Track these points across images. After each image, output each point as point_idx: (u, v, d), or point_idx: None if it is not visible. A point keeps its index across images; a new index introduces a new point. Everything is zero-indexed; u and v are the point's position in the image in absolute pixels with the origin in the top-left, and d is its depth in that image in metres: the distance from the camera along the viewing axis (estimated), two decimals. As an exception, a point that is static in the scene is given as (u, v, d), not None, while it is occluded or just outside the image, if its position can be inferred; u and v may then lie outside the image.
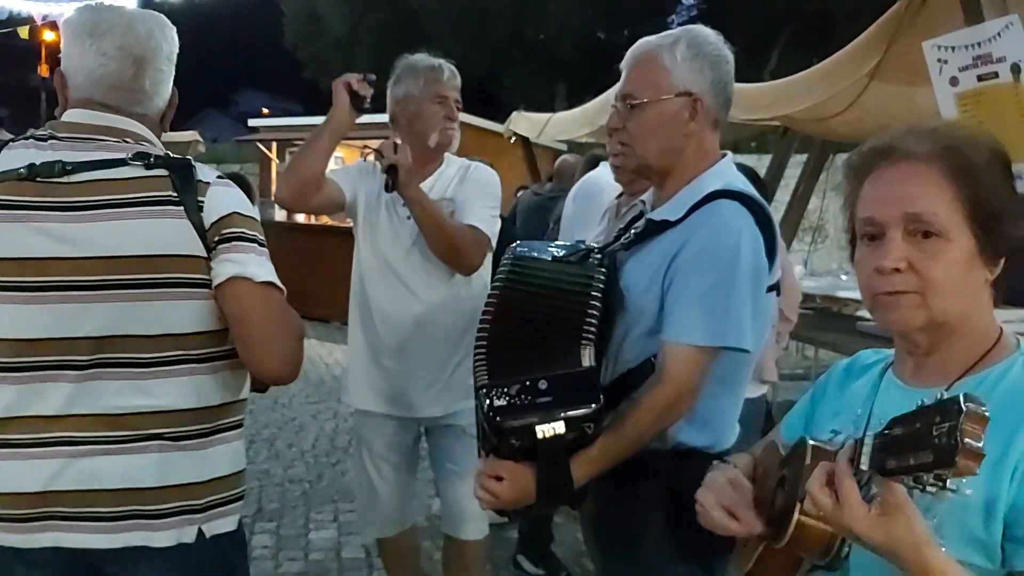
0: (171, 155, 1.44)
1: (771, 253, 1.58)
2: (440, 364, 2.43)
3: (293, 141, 10.21)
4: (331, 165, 2.44)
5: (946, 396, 0.81)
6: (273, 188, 10.68)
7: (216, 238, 1.40)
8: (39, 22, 11.72)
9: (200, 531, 1.44)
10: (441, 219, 2.32)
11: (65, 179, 1.38)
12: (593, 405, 1.43)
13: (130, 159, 1.39)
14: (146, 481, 1.40)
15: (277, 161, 10.59)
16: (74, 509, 1.38)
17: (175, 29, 1.55)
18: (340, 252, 3.15)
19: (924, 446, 0.79)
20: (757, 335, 1.56)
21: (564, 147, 9.02)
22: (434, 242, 2.32)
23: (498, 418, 1.44)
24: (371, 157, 2.37)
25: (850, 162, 1.14)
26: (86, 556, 1.39)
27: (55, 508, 1.38)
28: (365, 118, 2.38)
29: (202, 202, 1.40)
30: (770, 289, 1.62)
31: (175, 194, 1.39)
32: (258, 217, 1.49)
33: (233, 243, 1.41)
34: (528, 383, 1.45)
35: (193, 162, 1.44)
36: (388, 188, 2.29)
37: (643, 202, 1.76)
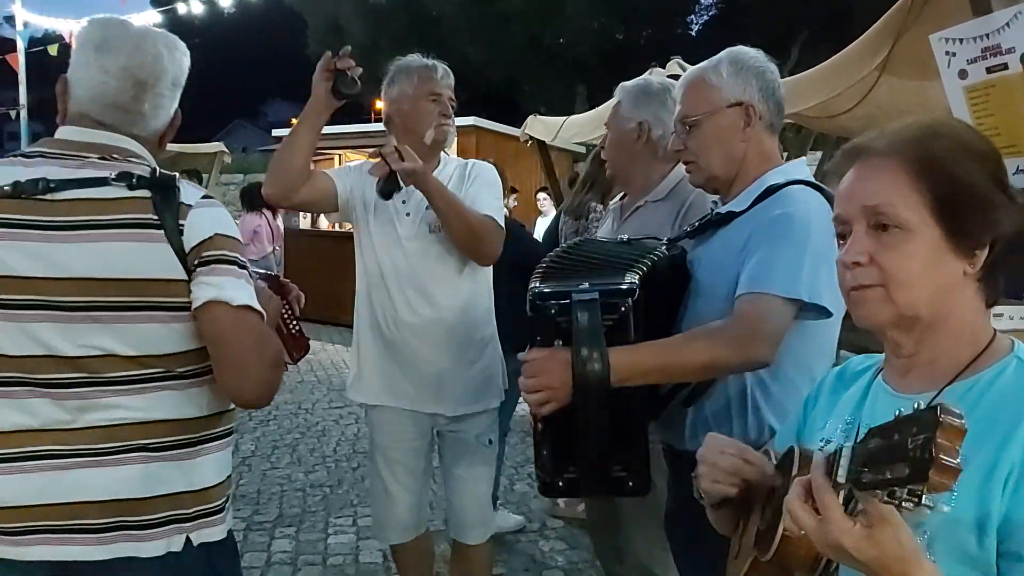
0: (159, 173, 1.44)
1: None
2: (450, 362, 2.44)
3: (316, 150, 10.29)
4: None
5: (923, 405, 0.78)
6: (297, 197, 10.77)
7: (196, 261, 1.39)
8: (68, 40, 11.98)
9: (188, 540, 1.45)
10: (464, 209, 2.33)
11: (48, 197, 1.38)
12: (624, 285, 1.57)
13: (113, 179, 1.39)
14: (132, 492, 1.40)
15: (300, 170, 10.66)
16: (62, 522, 1.39)
17: (187, 53, 1.54)
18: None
19: (900, 459, 0.76)
20: (835, 300, 1.53)
21: (582, 149, 9.01)
22: (457, 233, 2.33)
23: (539, 294, 1.61)
24: (375, 160, 2.34)
25: (831, 167, 1.15)
26: (75, 568, 1.40)
27: (44, 522, 1.39)
28: (372, 127, 2.40)
29: (183, 225, 1.39)
30: None
31: (155, 217, 1.39)
32: (239, 236, 1.48)
33: (212, 266, 1.40)
34: (574, 284, 1.60)
35: (177, 182, 1.44)
36: (385, 196, 2.29)
37: (715, 203, 1.88)
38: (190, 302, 1.40)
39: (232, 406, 1.55)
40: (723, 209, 1.76)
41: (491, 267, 2.57)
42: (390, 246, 2.43)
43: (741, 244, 1.65)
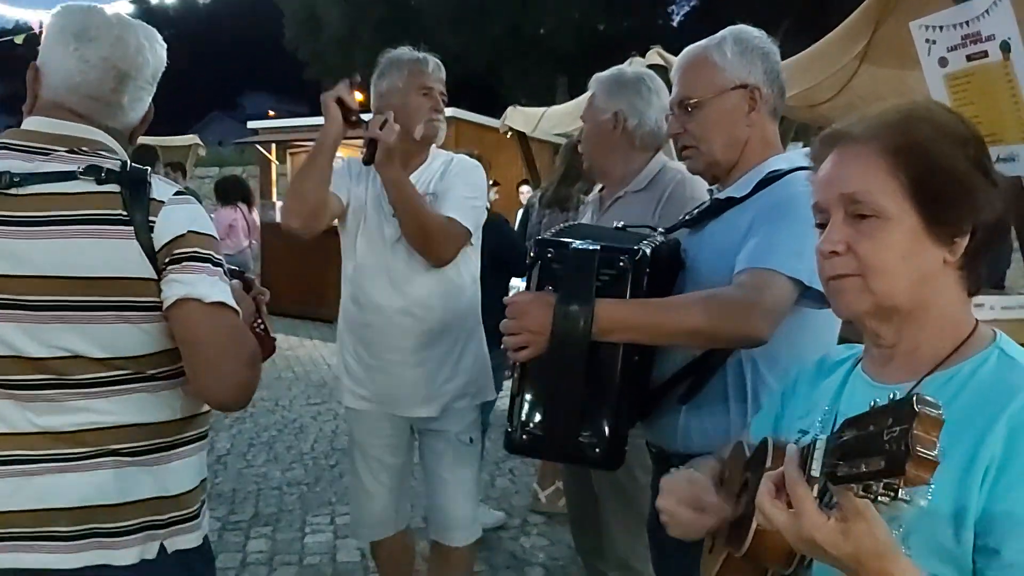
0: (130, 167, 1.38)
1: None
2: (430, 364, 2.40)
3: (292, 142, 10.19)
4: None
5: (899, 396, 0.75)
6: (274, 190, 10.68)
7: (167, 259, 1.33)
8: (36, 30, 11.75)
9: (162, 547, 1.40)
10: (417, 205, 2.28)
11: (13, 191, 1.32)
12: (631, 251, 1.53)
13: (80, 172, 1.33)
14: (104, 499, 1.35)
15: (277, 163, 10.57)
16: (32, 529, 1.33)
17: (164, 46, 1.49)
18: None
19: (875, 451, 0.73)
20: None
21: (562, 141, 8.96)
22: (407, 228, 2.30)
23: (542, 240, 1.60)
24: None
25: (810, 155, 1.12)
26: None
27: (13, 528, 1.33)
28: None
29: (153, 222, 1.33)
30: None
31: (124, 213, 1.33)
32: (215, 234, 1.42)
33: (184, 263, 1.34)
34: (582, 242, 1.56)
35: (149, 177, 1.37)
36: (365, 160, 2.26)
37: (711, 191, 1.80)
38: (160, 302, 1.34)
39: (206, 408, 1.49)
40: (722, 195, 1.69)
41: (477, 263, 2.53)
42: (376, 247, 2.39)
43: (744, 229, 1.58)
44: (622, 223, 1.83)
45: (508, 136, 7.30)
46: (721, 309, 1.46)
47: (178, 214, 1.36)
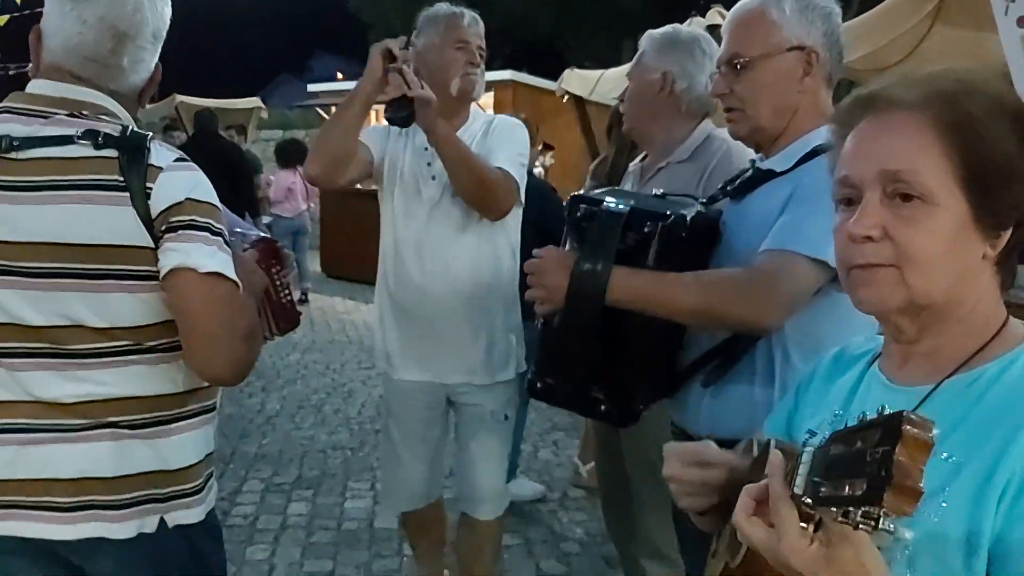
0: (130, 131, 1.34)
1: None
2: (468, 330, 2.36)
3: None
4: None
5: (889, 411, 0.67)
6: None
7: (164, 227, 1.30)
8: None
9: (162, 521, 1.39)
10: (470, 156, 2.22)
11: (12, 155, 1.30)
12: (663, 218, 1.49)
13: (78, 136, 1.30)
14: (101, 471, 1.34)
15: (336, 126, 10.59)
16: (32, 498, 1.34)
17: (168, 3, 1.44)
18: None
19: (857, 473, 0.65)
20: None
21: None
22: (462, 182, 2.22)
23: (576, 196, 1.60)
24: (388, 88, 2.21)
25: (834, 116, 0.98)
26: (49, 546, 1.35)
27: (13, 496, 1.34)
28: (340, 85, 2.30)
29: (150, 188, 1.30)
30: None
31: (121, 178, 1.29)
32: (215, 202, 1.38)
33: (180, 232, 1.31)
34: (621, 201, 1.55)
35: (149, 143, 1.33)
36: (399, 122, 2.18)
37: (752, 161, 1.71)
38: (157, 271, 1.31)
39: None
40: (763, 166, 1.59)
41: (518, 232, 2.46)
42: (413, 210, 2.34)
43: (780, 205, 1.49)
44: (662, 191, 1.74)
45: (565, 100, 7.13)
46: (733, 292, 1.41)
47: (177, 180, 1.33)
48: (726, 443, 1.21)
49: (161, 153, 1.34)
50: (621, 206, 1.51)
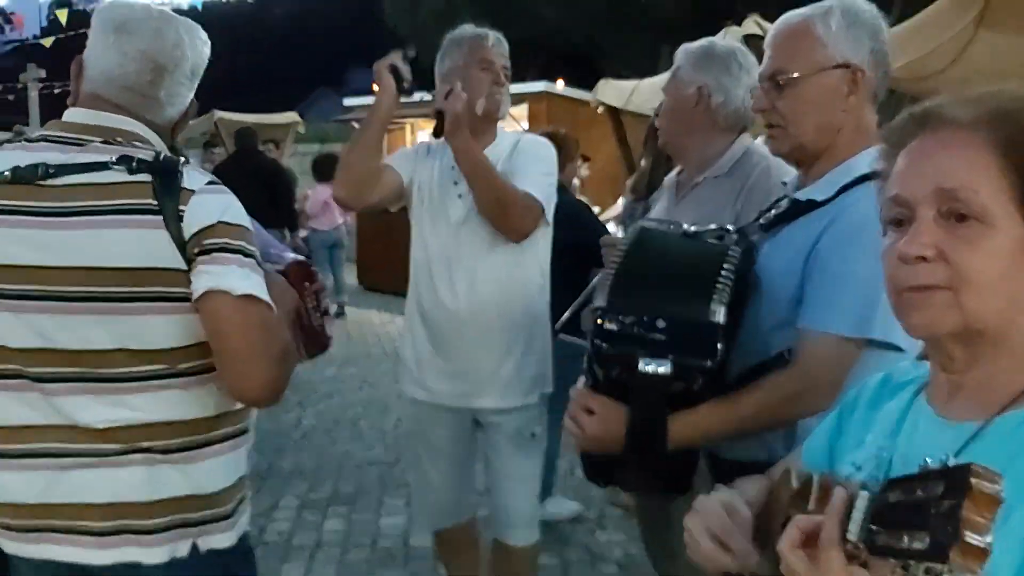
0: (163, 157, 1.37)
1: None
2: (493, 353, 2.34)
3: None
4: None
5: (953, 462, 0.63)
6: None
7: (196, 249, 1.32)
8: (81, 7, 12.24)
9: (195, 546, 1.39)
10: (491, 174, 2.22)
11: (48, 182, 1.33)
12: (708, 361, 1.36)
13: (113, 163, 1.33)
14: (134, 496, 1.36)
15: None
16: (66, 523, 1.36)
17: (207, 43, 1.50)
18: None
19: (919, 525, 0.62)
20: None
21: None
22: (482, 200, 2.23)
23: (603, 343, 1.41)
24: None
25: (884, 134, 0.94)
26: (84, 571, 1.37)
27: (49, 521, 1.36)
28: (413, 96, 2.34)
29: (183, 211, 1.32)
30: None
31: (154, 202, 1.32)
32: (248, 224, 1.39)
33: (214, 255, 1.32)
34: (645, 318, 1.39)
35: (181, 167, 1.36)
36: (435, 132, 2.23)
37: (785, 183, 1.66)
38: (190, 293, 1.32)
39: (240, 405, 1.46)
40: (802, 197, 1.53)
41: (548, 252, 2.45)
42: (440, 229, 2.35)
43: (812, 240, 1.44)
44: (693, 228, 1.64)
45: (600, 111, 7.09)
46: (785, 403, 1.42)
47: (209, 203, 1.35)
48: (748, 466, 1.21)
49: (193, 177, 1.36)
50: (661, 363, 1.36)
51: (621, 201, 6.19)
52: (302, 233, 8.39)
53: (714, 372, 1.37)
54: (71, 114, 1.42)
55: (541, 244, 2.41)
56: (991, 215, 0.81)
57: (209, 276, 1.31)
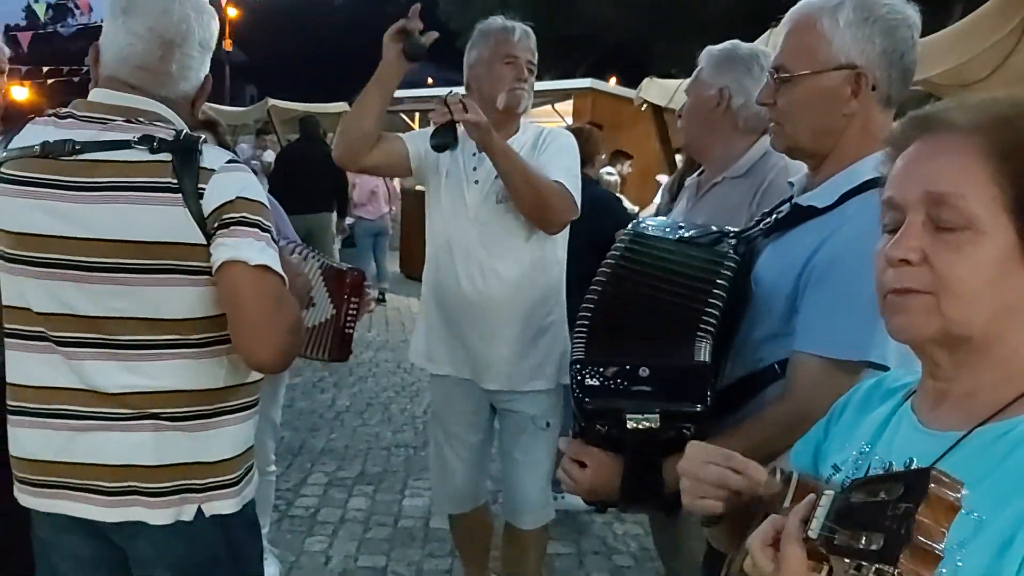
0: (183, 136, 1.43)
1: None
2: (509, 336, 2.39)
3: (421, 111, 10.35)
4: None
5: (916, 464, 0.65)
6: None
7: (216, 223, 1.39)
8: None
9: (200, 510, 1.46)
10: (530, 172, 2.26)
11: (74, 158, 1.41)
12: (698, 406, 1.28)
13: (135, 142, 1.40)
14: (143, 459, 1.43)
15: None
16: (80, 481, 1.44)
17: (215, 16, 1.55)
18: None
19: (875, 527, 0.64)
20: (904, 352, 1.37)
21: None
22: (521, 196, 2.26)
23: (586, 399, 1.33)
24: (433, 115, 2.26)
25: (888, 138, 0.95)
26: (96, 526, 1.45)
27: (64, 478, 1.44)
28: (427, 91, 2.37)
29: (203, 189, 1.39)
30: None
31: (174, 180, 1.38)
32: (264, 201, 1.46)
33: (232, 228, 1.39)
34: (628, 367, 1.31)
35: (200, 146, 1.42)
36: (438, 148, 2.23)
37: (791, 184, 1.58)
38: (209, 266, 1.40)
39: (252, 378, 1.54)
40: (804, 202, 1.46)
41: (565, 242, 2.48)
42: (457, 214, 2.39)
43: (808, 253, 1.38)
44: (690, 232, 1.57)
45: (643, 109, 7.08)
46: (784, 429, 1.30)
47: (228, 181, 1.41)
48: None
49: (213, 155, 1.43)
50: (650, 418, 1.28)
51: (657, 199, 6.20)
52: (348, 220, 8.54)
53: (705, 414, 1.29)
54: (94, 94, 1.49)
55: (560, 234, 2.44)
56: (979, 221, 0.80)
57: (227, 248, 1.38)
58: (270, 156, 10.35)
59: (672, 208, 4.05)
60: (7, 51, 2.02)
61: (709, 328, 1.31)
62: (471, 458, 2.56)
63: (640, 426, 1.28)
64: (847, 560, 0.65)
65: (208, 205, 1.38)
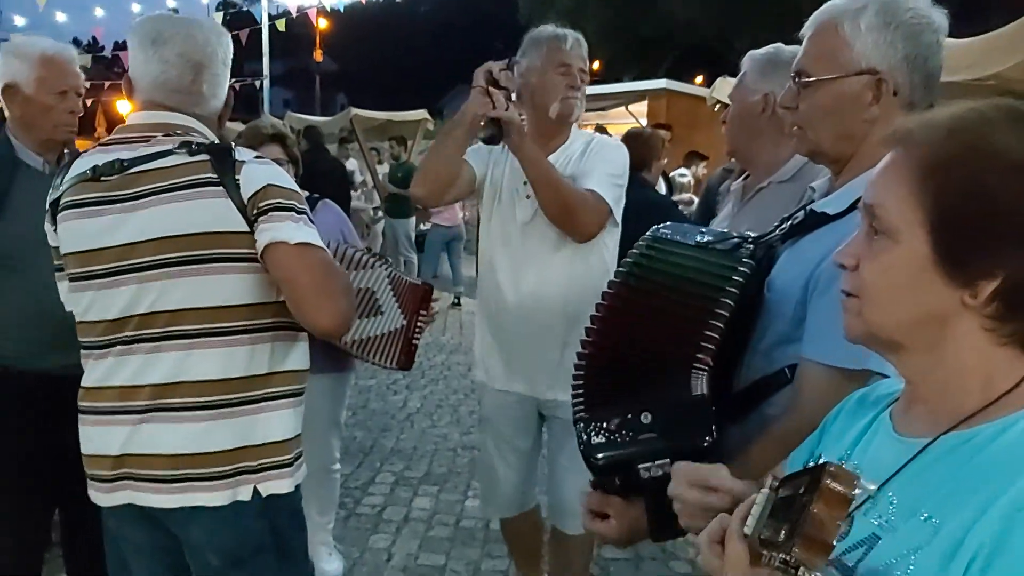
0: (215, 142, 1.58)
1: None
2: (557, 346, 2.42)
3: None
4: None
5: (824, 459, 0.69)
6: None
7: (255, 211, 1.51)
8: (294, 14, 13.14)
9: (256, 491, 1.56)
10: (555, 179, 2.28)
11: (123, 174, 1.55)
12: (705, 440, 1.28)
13: (176, 148, 1.54)
14: (195, 448, 1.54)
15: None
16: (140, 471, 1.57)
17: (227, 34, 1.69)
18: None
19: (786, 519, 0.68)
20: None
21: (778, 113, 8.37)
22: (547, 203, 2.29)
23: (596, 456, 1.33)
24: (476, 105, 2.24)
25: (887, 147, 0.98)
26: (153, 513, 1.58)
27: (128, 470, 1.57)
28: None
29: (239, 179, 1.51)
30: None
31: (215, 175, 1.51)
32: (295, 188, 1.58)
33: (269, 214, 1.51)
34: (629, 416, 1.32)
35: (232, 146, 1.57)
36: (488, 140, 2.25)
37: (812, 188, 1.59)
38: (254, 253, 1.51)
39: (299, 367, 1.64)
40: (818, 208, 1.46)
41: (616, 246, 2.49)
42: (507, 228, 2.44)
43: (816, 260, 1.37)
44: (708, 239, 1.56)
45: (716, 109, 6.99)
46: (794, 442, 1.27)
47: (258, 171, 1.55)
48: None
49: (243, 152, 1.57)
50: (664, 470, 1.25)
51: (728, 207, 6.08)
52: (423, 227, 8.71)
53: (714, 446, 1.28)
54: (132, 118, 1.64)
55: (608, 243, 2.46)
56: (895, 231, 0.85)
57: (267, 232, 1.50)
58: (352, 164, 10.66)
59: (717, 213, 4.01)
60: (80, 73, 2.20)
61: (704, 362, 1.31)
62: (519, 463, 2.60)
63: (655, 474, 1.28)
64: (765, 552, 0.69)
65: (245, 193, 1.51)
